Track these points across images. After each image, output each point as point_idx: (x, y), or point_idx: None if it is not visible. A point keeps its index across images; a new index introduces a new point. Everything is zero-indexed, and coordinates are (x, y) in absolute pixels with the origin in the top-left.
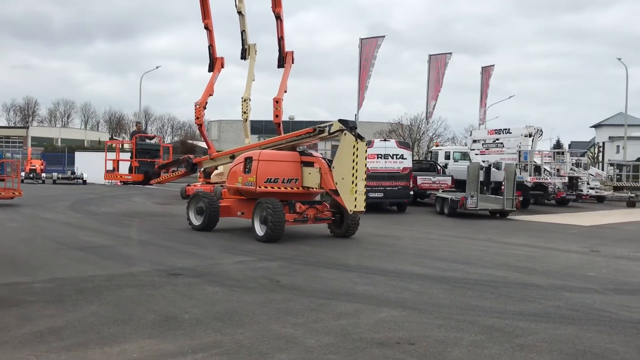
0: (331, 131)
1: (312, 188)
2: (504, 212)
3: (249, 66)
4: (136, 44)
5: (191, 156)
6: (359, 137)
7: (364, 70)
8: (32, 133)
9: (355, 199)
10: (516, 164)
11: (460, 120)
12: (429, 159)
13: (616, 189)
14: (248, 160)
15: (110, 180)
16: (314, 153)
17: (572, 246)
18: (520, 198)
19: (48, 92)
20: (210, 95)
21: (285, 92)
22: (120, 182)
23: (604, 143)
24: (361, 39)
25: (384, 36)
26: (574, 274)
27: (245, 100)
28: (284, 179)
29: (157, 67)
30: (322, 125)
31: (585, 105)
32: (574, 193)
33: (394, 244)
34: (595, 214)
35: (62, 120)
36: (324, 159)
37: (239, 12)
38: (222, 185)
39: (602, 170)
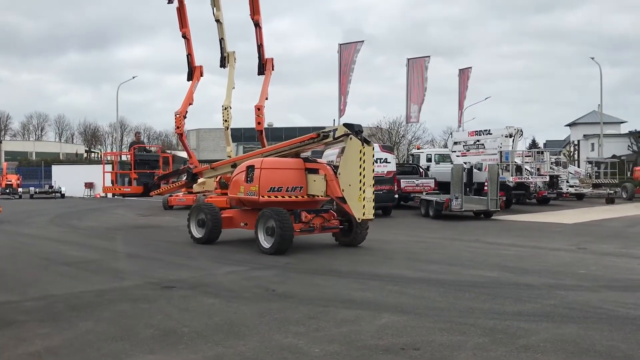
0: (336, 136)
1: (318, 196)
2: (488, 212)
3: (228, 74)
4: (109, 55)
5: (191, 166)
6: (365, 141)
7: (344, 76)
8: (5, 147)
9: (364, 206)
10: (498, 165)
11: (437, 123)
12: (411, 162)
13: (595, 186)
14: (250, 168)
15: (108, 193)
16: (319, 160)
17: (558, 244)
18: (504, 198)
19: (20, 105)
20: (190, 104)
21: (267, 99)
22: (120, 194)
23: (579, 141)
24: (340, 45)
25: (362, 41)
26: (565, 272)
27: (226, 108)
28: (288, 187)
29: (133, 77)
30: (326, 130)
31: (558, 104)
32: (555, 191)
33: (384, 249)
34: (577, 212)
35: (35, 134)
36: (330, 165)
37: (217, 20)
38: (204, 195)
39: (579, 168)
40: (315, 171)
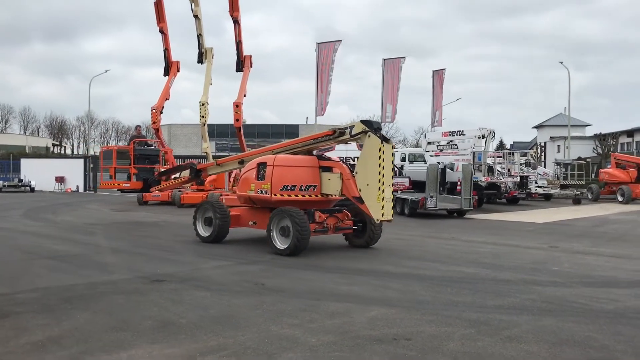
0: (353, 133)
1: (332, 195)
2: (462, 211)
3: (206, 70)
4: (75, 46)
5: (195, 162)
6: (384, 139)
7: (322, 75)
8: None
9: (383, 207)
10: (471, 165)
11: (408, 122)
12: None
13: (562, 187)
14: (261, 166)
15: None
16: (333, 157)
17: (531, 243)
18: (476, 197)
19: None
20: (166, 99)
21: (245, 95)
22: (119, 190)
23: (545, 143)
24: (318, 44)
25: (340, 40)
26: (539, 268)
27: (203, 104)
28: (301, 185)
29: (106, 71)
30: (342, 127)
31: (525, 106)
32: (524, 192)
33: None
34: (546, 212)
35: None
36: (346, 163)
37: (195, 16)
38: (180, 191)
39: (546, 169)
40: (329, 169)
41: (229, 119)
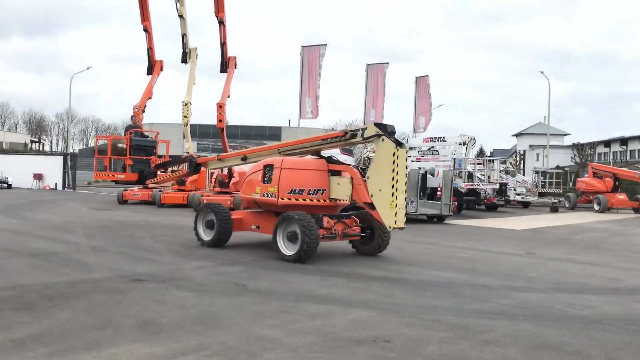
0: (365, 136)
1: (340, 200)
2: (442, 216)
3: (189, 70)
4: (55, 42)
5: (194, 155)
6: (398, 143)
7: (309, 78)
8: None
9: (396, 213)
10: (452, 171)
11: None
12: (368, 165)
13: (541, 195)
14: (268, 168)
15: (102, 179)
16: (344, 161)
17: (509, 249)
18: (456, 203)
19: None
20: (149, 98)
21: (229, 97)
22: (113, 181)
23: (524, 151)
24: (302, 47)
25: (325, 44)
26: (516, 274)
27: (186, 104)
28: (309, 189)
29: (88, 68)
30: (354, 129)
31: (506, 114)
32: (503, 199)
33: (344, 248)
34: (524, 219)
35: None
36: (356, 167)
37: (180, 16)
38: (160, 190)
39: (525, 177)
40: (338, 173)
41: (211, 120)
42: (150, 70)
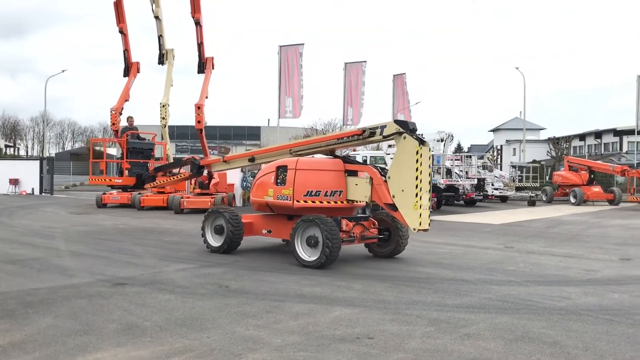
0: (385, 134)
1: (358, 202)
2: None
3: (167, 71)
4: (28, 44)
5: (197, 157)
6: (420, 140)
7: (288, 78)
8: None
9: (420, 215)
10: (430, 168)
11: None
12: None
13: (518, 189)
14: (281, 169)
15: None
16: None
17: (488, 243)
18: (435, 199)
19: None
20: (126, 100)
21: (207, 97)
22: (109, 186)
23: (501, 146)
24: (280, 46)
25: (303, 44)
26: (495, 268)
27: (164, 106)
28: (327, 191)
29: (63, 71)
30: (373, 126)
31: (483, 109)
32: (482, 194)
33: None
34: (502, 213)
35: None
36: (375, 167)
37: (156, 17)
38: (140, 194)
39: (502, 171)
40: (355, 173)
41: (189, 121)
42: (126, 73)
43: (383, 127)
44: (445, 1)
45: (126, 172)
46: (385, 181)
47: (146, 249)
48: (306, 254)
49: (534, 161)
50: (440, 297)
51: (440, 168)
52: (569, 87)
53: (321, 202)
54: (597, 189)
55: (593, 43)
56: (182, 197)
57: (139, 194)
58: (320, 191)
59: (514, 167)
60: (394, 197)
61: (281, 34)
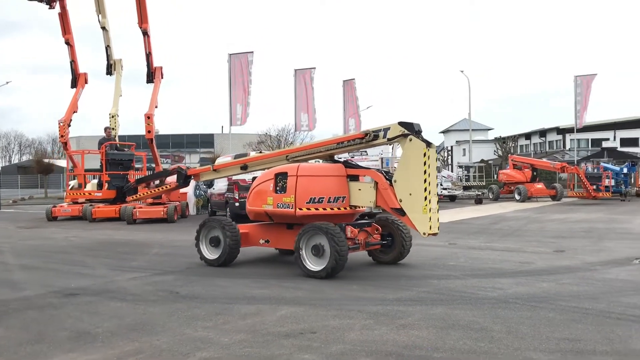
0: (389, 137)
1: (362, 207)
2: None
3: (115, 82)
4: None
5: (183, 167)
6: (427, 142)
7: (239, 87)
8: None
9: (430, 218)
10: (380, 170)
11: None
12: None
13: (465, 188)
14: (281, 176)
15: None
16: (364, 165)
17: (433, 241)
18: None
19: None
20: (74, 112)
21: (156, 107)
22: (88, 200)
23: (452, 147)
24: (230, 54)
25: (252, 52)
26: (437, 264)
27: (113, 116)
28: (329, 197)
29: (7, 83)
30: (376, 129)
31: (433, 112)
32: None
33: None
34: (450, 212)
35: None
36: (379, 171)
37: (103, 28)
38: (91, 205)
39: (452, 172)
40: (357, 178)
41: (140, 130)
42: (74, 84)
43: (387, 129)
44: (394, 7)
45: (106, 185)
46: (391, 185)
47: (98, 260)
48: (312, 264)
49: (482, 161)
50: (382, 292)
51: (389, 171)
52: (516, 90)
53: (324, 208)
54: (540, 185)
55: (534, 48)
56: (134, 208)
57: (91, 205)
58: (323, 197)
59: (460, 167)
60: (401, 201)
61: (232, 40)
